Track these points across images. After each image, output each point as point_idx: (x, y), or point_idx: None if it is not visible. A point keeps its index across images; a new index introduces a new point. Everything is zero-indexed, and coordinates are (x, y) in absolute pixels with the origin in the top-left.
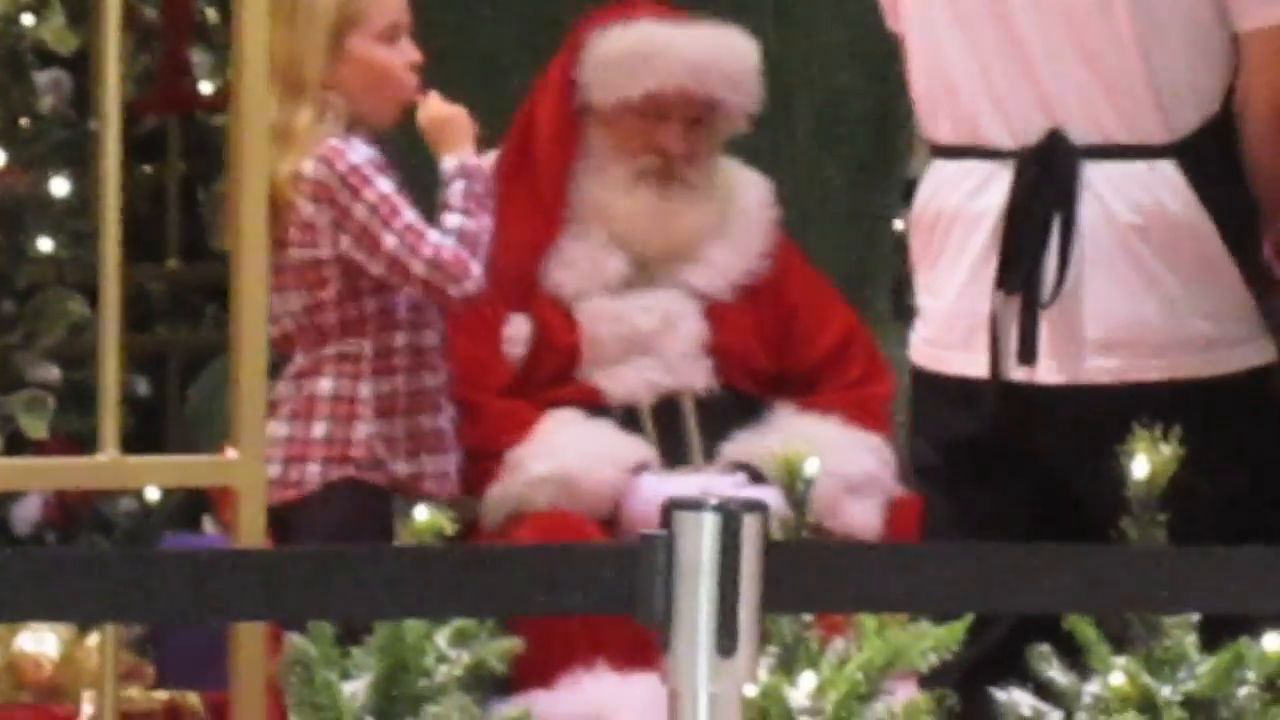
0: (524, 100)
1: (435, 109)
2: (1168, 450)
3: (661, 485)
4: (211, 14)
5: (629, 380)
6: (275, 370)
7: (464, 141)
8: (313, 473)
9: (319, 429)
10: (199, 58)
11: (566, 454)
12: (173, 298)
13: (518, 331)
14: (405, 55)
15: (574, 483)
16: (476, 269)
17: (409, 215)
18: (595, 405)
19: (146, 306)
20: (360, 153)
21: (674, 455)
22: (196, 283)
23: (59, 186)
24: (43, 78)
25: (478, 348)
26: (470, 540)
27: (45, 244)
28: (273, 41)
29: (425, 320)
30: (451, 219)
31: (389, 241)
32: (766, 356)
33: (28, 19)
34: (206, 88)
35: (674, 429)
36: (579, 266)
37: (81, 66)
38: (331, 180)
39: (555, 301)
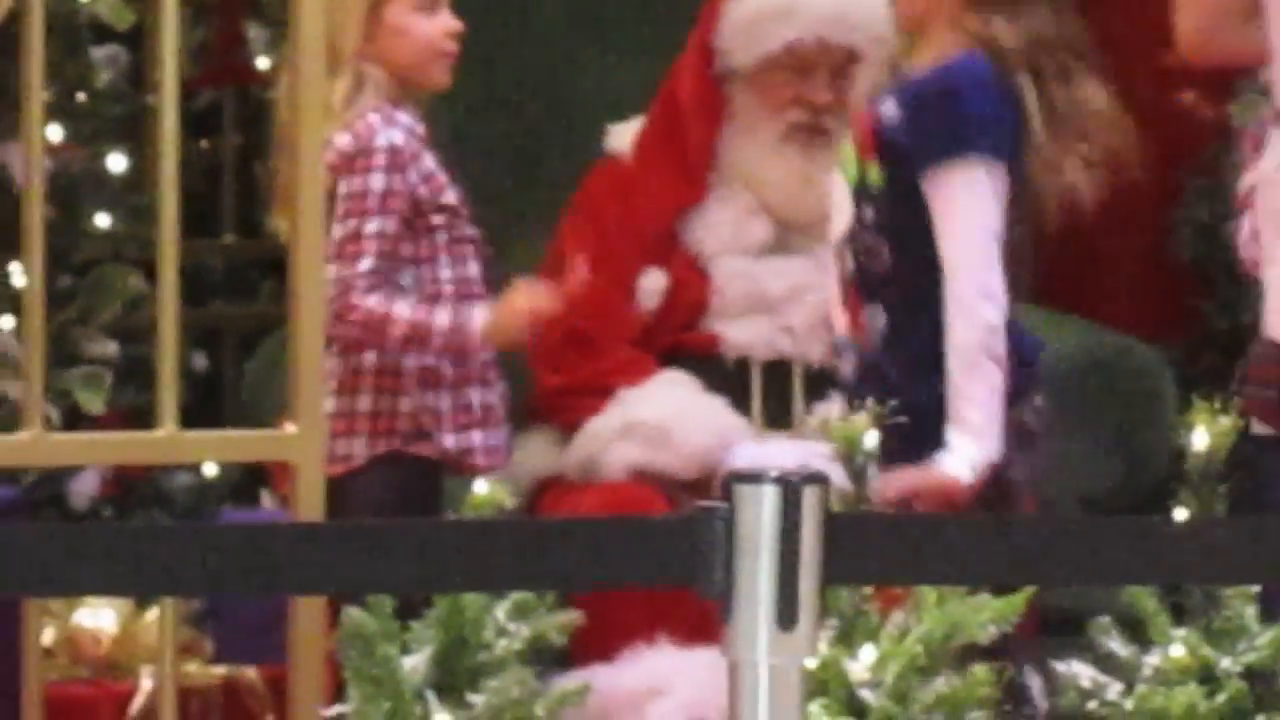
0: (665, 76)
1: (522, 304)
2: (1226, 422)
3: (759, 451)
4: None
5: (748, 334)
6: (326, 344)
7: (506, 333)
8: (359, 446)
9: (364, 402)
10: (254, 32)
11: (671, 408)
12: (229, 273)
13: (653, 284)
14: (444, 24)
15: (669, 437)
16: (346, 327)
17: (374, 225)
18: (710, 356)
19: (203, 281)
20: (395, 131)
21: (778, 420)
22: (253, 258)
23: (116, 162)
24: (99, 53)
25: (610, 293)
26: (544, 498)
27: (102, 219)
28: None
29: (470, 293)
30: (418, 313)
31: (336, 231)
32: None
33: None
34: (262, 62)
35: (781, 393)
36: (722, 229)
37: (137, 41)
38: (355, 153)
39: (693, 260)
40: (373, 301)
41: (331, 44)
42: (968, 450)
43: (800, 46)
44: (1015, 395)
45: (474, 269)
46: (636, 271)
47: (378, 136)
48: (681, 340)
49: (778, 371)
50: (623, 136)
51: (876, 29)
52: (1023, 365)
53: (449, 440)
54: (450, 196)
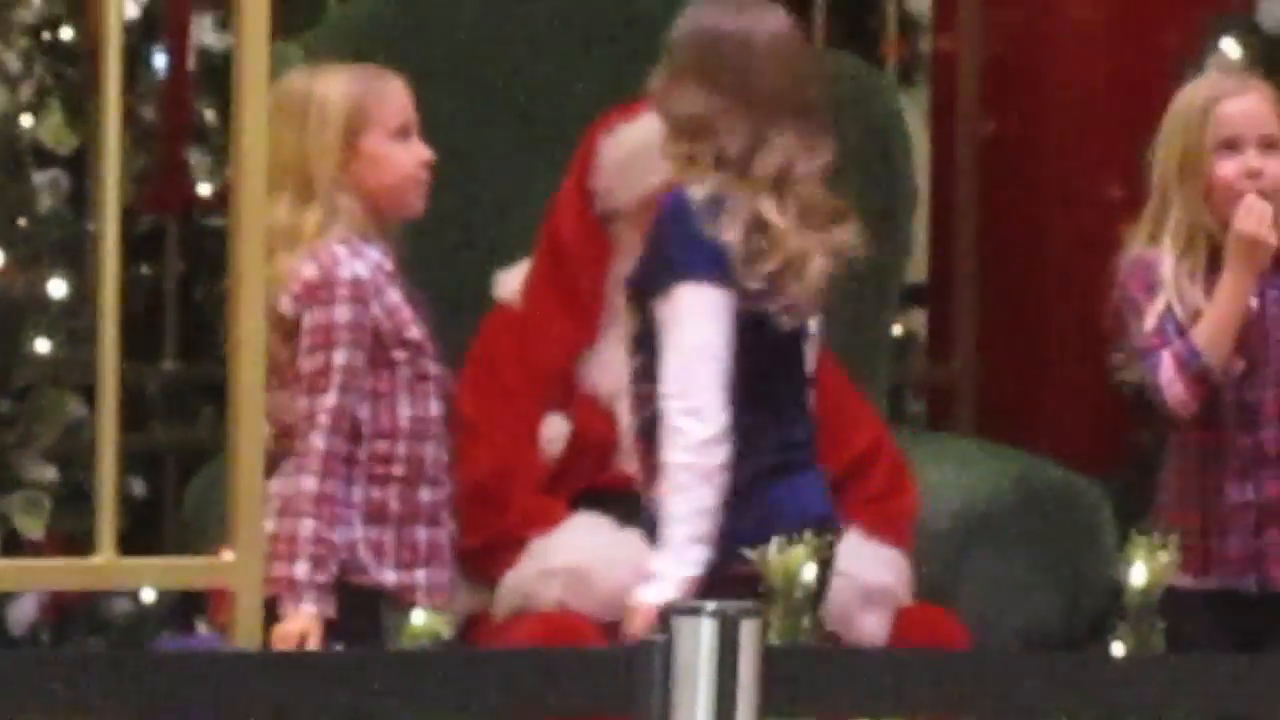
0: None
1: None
2: (1165, 557)
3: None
4: (210, 115)
5: None
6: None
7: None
8: (301, 571)
9: (307, 527)
10: (197, 158)
11: (585, 551)
12: (169, 398)
13: (555, 431)
14: (418, 153)
15: (587, 580)
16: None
17: (341, 357)
18: (628, 492)
19: (142, 407)
20: (359, 263)
21: None
22: (193, 383)
23: (56, 287)
24: (40, 177)
25: (512, 446)
26: (473, 634)
27: (42, 344)
28: (282, 142)
29: (427, 432)
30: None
31: (305, 364)
32: None
33: (26, 118)
34: (204, 188)
35: None
36: (618, 367)
37: (79, 166)
38: (319, 284)
39: (594, 401)
40: (319, 457)
41: (304, 172)
42: (667, 572)
43: None
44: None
45: (435, 408)
46: (538, 419)
47: (341, 268)
48: (594, 482)
49: None
50: (509, 282)
51: None
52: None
53: (388, 576)
54: (414, 332)
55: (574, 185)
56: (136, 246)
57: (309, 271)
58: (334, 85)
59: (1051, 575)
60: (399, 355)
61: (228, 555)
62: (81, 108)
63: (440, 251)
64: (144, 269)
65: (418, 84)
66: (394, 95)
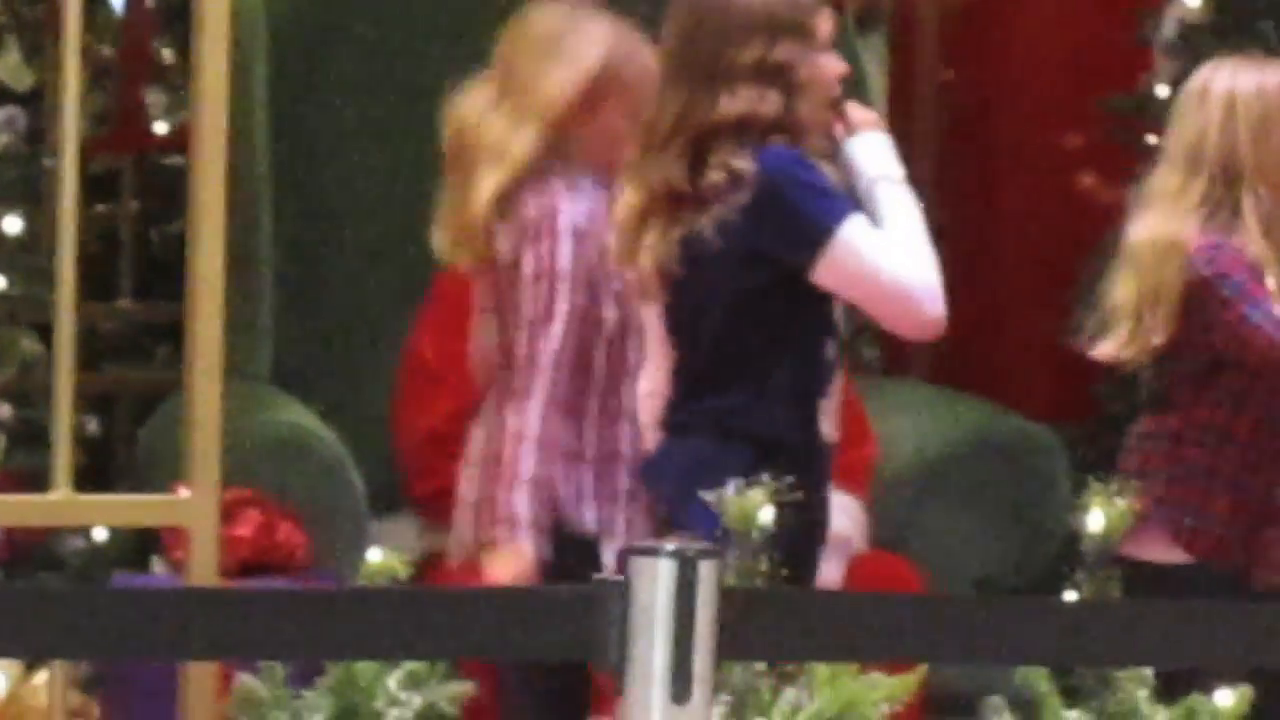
0: None
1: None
2: (1122, 504)
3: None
4: (168, 54)
5: None
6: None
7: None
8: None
9: (528, 466)
10: (154, 97)
11: None
12: (124, 337)
13: None
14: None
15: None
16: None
17: (563, 295)
18: None
19: (98, 345)
20: (582, 203)
21: None
22: (149, 322)
23: (12, 224)
24: None
25: (469, 392)
26: (429, 575)
27: None
28: (527, 72)
29: (625, 373)
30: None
31: (527, 296)
32: None
33: None
34: (162, 127)
35: None
36: None
37: (36, 104)
38: (541, 222)
39: None
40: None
41: (536, 104)
42: None
43: None
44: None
45: (633, 351)
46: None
47: (563, 206)
48: None
49: None
50: None
51: None
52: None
53: (589, 516)
54: (624, 276)
55: None
56: (94, 185)
57: (531, 210)
58: (595, 32)
59: (1007, 523)
60: (607, 299)
61: (184, 493)
62: (40, 46)
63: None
64: (101, 208)
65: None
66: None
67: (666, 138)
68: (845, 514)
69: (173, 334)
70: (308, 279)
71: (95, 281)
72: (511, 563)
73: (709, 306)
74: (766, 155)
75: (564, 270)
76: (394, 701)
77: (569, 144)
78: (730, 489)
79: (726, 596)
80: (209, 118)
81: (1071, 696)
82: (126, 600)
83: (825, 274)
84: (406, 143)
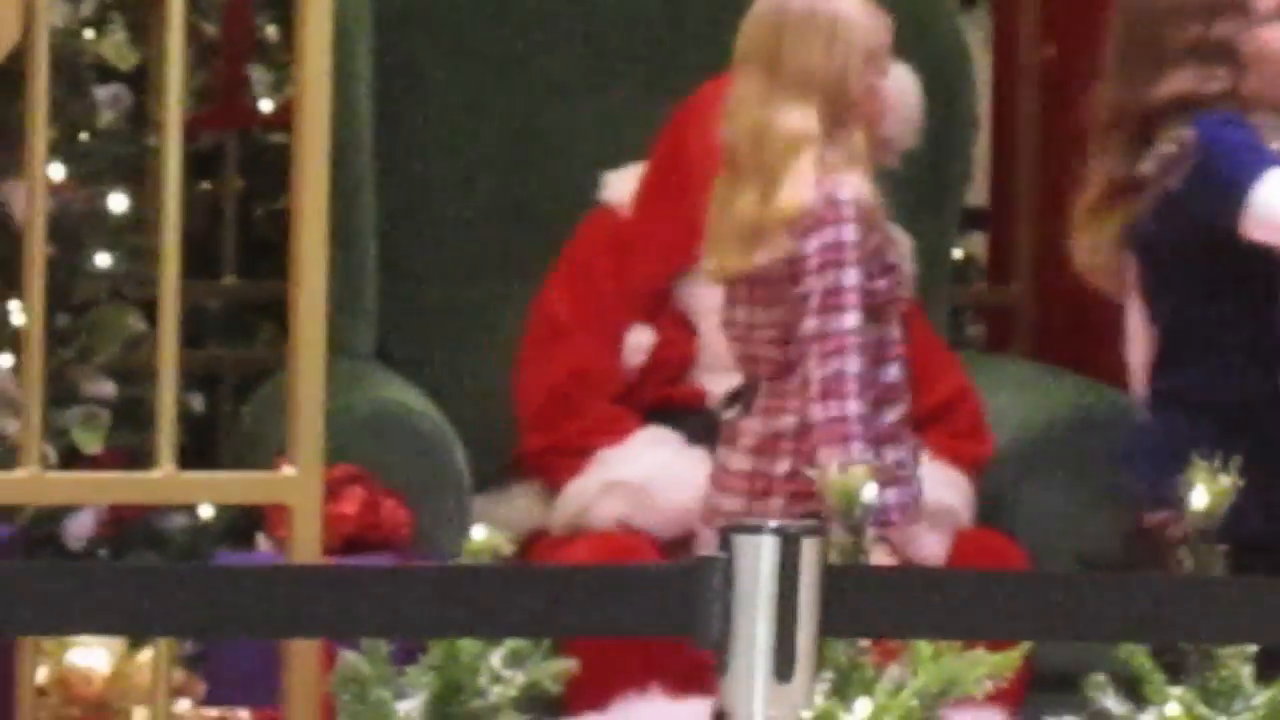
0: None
1: None
2: (1226, 481)
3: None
4: (271, 31)
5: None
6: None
7: None
8: (775, 508)
9: (782, 465)
10: (258, 74)
11: (651, 467)
12: (228, 315)
13: (639, 341)
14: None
15: (650, 496)
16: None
17: (852, 276)
18: (696, 408)
19: (202, 323)
20: (861, 186)
21: None
22: (252, 300)
23: (117, 202)
24: (102, 93)
25: (595, 351)
26: (531, 551)
27: (102, 259)
28: (801, 57)
29: (891, 354)
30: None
31: (814, 284)
32: None
33: (88, 34)
34: (265, 105)
35: None
36: (715, 290)
37: (140, 82)
38: (826, 206)
39: (680, 316)
40: (852, 369)
41: (839, 96)
42: None
43: None
44: None
45: (896, 330)
46: (624, 329)
47: (844, 190)
48: (667, 395)
49: None
50: (618, 186)
51: (908, 119)
52: None
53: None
54: (892, 256)
55: (714, 103)
56: (196, 163)
57: (814, 196)
58: (856, 10)
59: (1109, 501)
60: (880, 281)
61: (287, 470)
62: (143, 24)
63: (540, 152)
64: (204, 185)
65: None
66: (887, 32)
67: (1110, 126)
68: (952, 488)
69: (276, 311)
70: (412, 256)
71: (199, 259)
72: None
73: (1165, 283)
74: (1199, 123)
75: (850, 249)
76: (496, 679)
77: (848, 119)
78: (833, 465)
79: (829, 573)
80: (312, 95)
81: (1174, 674)
82: (230, 578)
83: (1255, 230)
84: (510, 119)
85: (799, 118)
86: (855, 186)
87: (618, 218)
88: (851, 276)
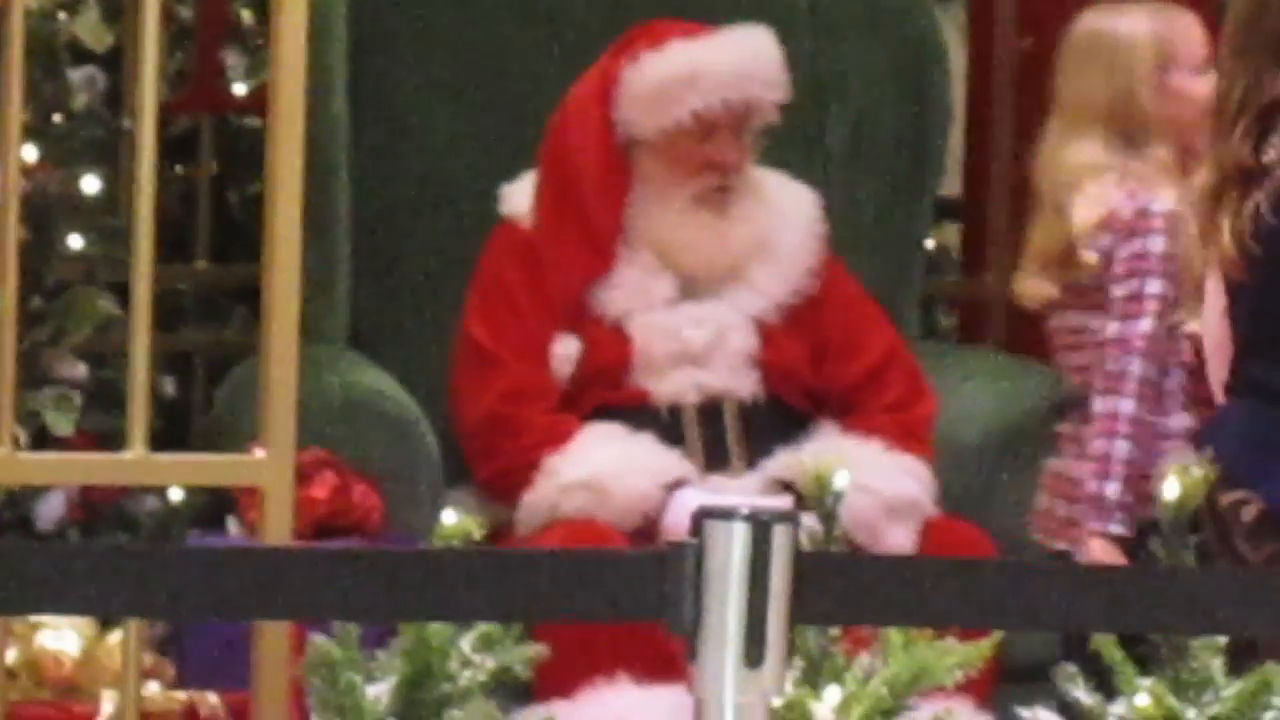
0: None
1: None
2: (1198, 473)
3: (700, 499)
4: (246, 15)
5: (676, 382)
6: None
7: None
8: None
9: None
10: (233, 59)
11: (601, 462)
12: (201, 298)
13: (566, 350)
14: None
15: (606, 490)
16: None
17: (1155, 286)
18: (642, 408)
19: (174, 307)
20: (1169, 199)
21: (715, 461)
22: (225, 284)
23: (90, 184)
24: (77, 74)
25: (524, 370)
26: (499, 545)
27: (75, 241)
28: (1088, 84)
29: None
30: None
31: (1117, 290)
32: (812, 374)
33: (63, 15)
34: (240, 89)
35: (716, 434)
36: (628, 289)
37: (115, 64)
38: (1135, 216)
39: (603, 319)
40: (1136, 370)
41: (1113, 113)
42: None
43: (707, 112)
44: None
45: (1183, 340)
46: (549, 342)
47: (1156, 202)
48: (608, 399)
49: (710, 413)
50: (515, 198)
51: (774, 75)
52: None
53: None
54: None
55: (594, 112)
56: (171, 146)
57: (1124, 206)
58: (1139, 24)
59: None
60: (1178, 293)
61: (259, 454)
62: (118, 6)
63: (515, 137)
64: (178, 169)
65: None
66: (1193, 30)
67: (1235, 116)
68: (910, 476)
69: (249, 296)
70: (385, 242)
71: (172, 243)
72: (1099, 549)
73: (1275, 274)
74: None
75: (1156, 259)
76: (467, 663)
77: (1146, 135)
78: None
79: (800, 560)
80: (287, 80)
81: (1145, 665)
82: (201, 560)
83: None
84: (487, 106)
85: (1076, 151)
86: (1167, 199)
87: (520, 230)
88: (1155, 286)
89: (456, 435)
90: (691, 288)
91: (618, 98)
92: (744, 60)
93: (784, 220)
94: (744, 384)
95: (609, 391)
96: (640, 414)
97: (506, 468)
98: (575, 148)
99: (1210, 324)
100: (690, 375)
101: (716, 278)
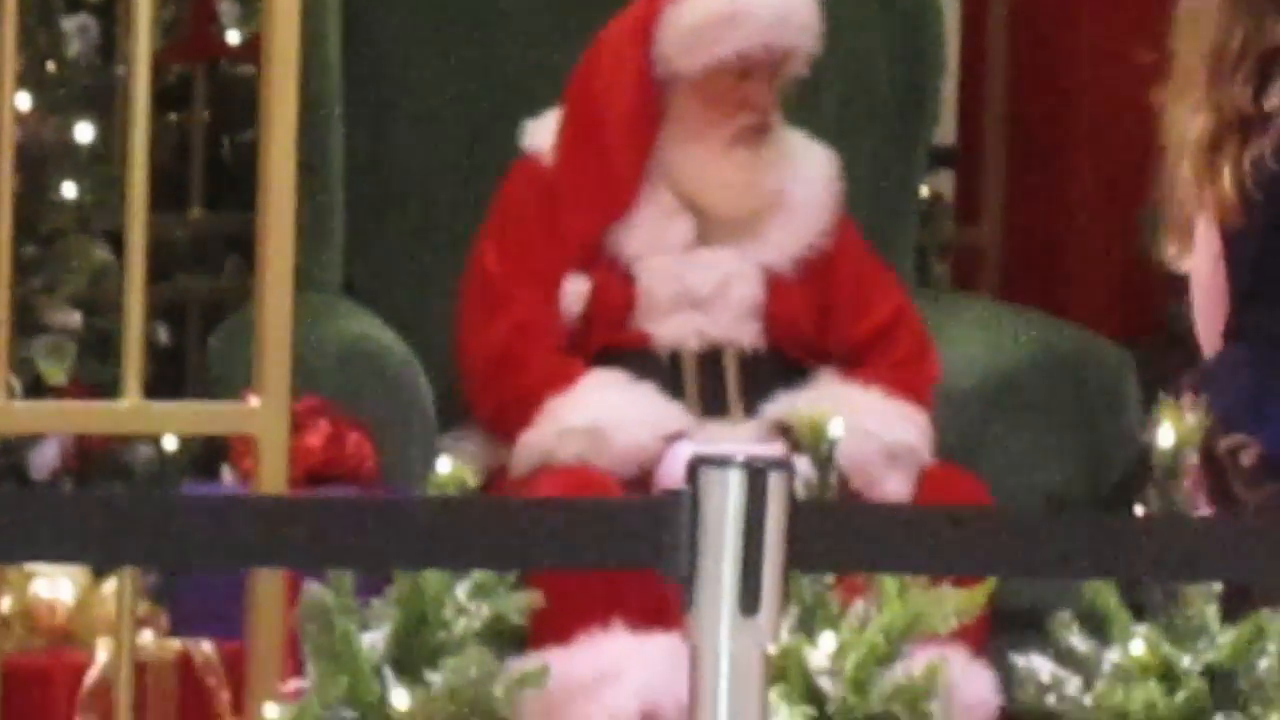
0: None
1: None
2: (1192, 419)
3: (698, 450)
4: None
5: (678, 327)
6: None
7: None
8: None
9: None
10: (226, 6)
11: (602, 409)
12: (195, 247)
13: (576, 289)
14: None
15: (605, 438)
16: None
17: None
18: (644, 351)
19: (168, 255)
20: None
21: (714, 408)
22: (219, 232)
23: (84, 132)
24: (70, 23)
25: (534, 305)
26: (493, 489)
27: (69, 189)
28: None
29: None
30: None
31: None
32: (816, 330)
33: None
34: (234, 37)
35: (716, 381)
36: (644, 231)
37: (109, 13)
38: None
39: (615, 262)
40: None
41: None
42: None
43: (749, 52)
44: None
45: None
46: (561, 280)
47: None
48: (611, 341)
49: (710, 360)
50: (539, 133)
51: (812, 25)
52: None
53: None
54: None
55: (630, 50)
56: (164, 95)
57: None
58: None
59: (1075, 439)
60: None
61: (253, 402)
62: None
63: (507, 89)
64: (172, 117)
65: None
66: None
67: (1235, 62)
68: (908, 423)
69: (243, 244)
70: (380, 189)
71: (166, 191)
72: None
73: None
74: None
75: None
76: (462, 611)
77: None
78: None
79: (795, 508)
80: (281, 27)
81: (1139, 612)
82: (195, 508)
83: None
84: (482, 51)
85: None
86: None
87: (541, 166)
88: None
89: (460, 369)
90: (707, 233)
91: (658, 35)
92: (784, 5)
93: (803, 176)
94: (746, 333)
95: (612, 332)
96: (642, 358)
97: (508, 403)
98: (605, 86)
99: (1201, 269)
100: (692, 320)
101: (737, 222)
